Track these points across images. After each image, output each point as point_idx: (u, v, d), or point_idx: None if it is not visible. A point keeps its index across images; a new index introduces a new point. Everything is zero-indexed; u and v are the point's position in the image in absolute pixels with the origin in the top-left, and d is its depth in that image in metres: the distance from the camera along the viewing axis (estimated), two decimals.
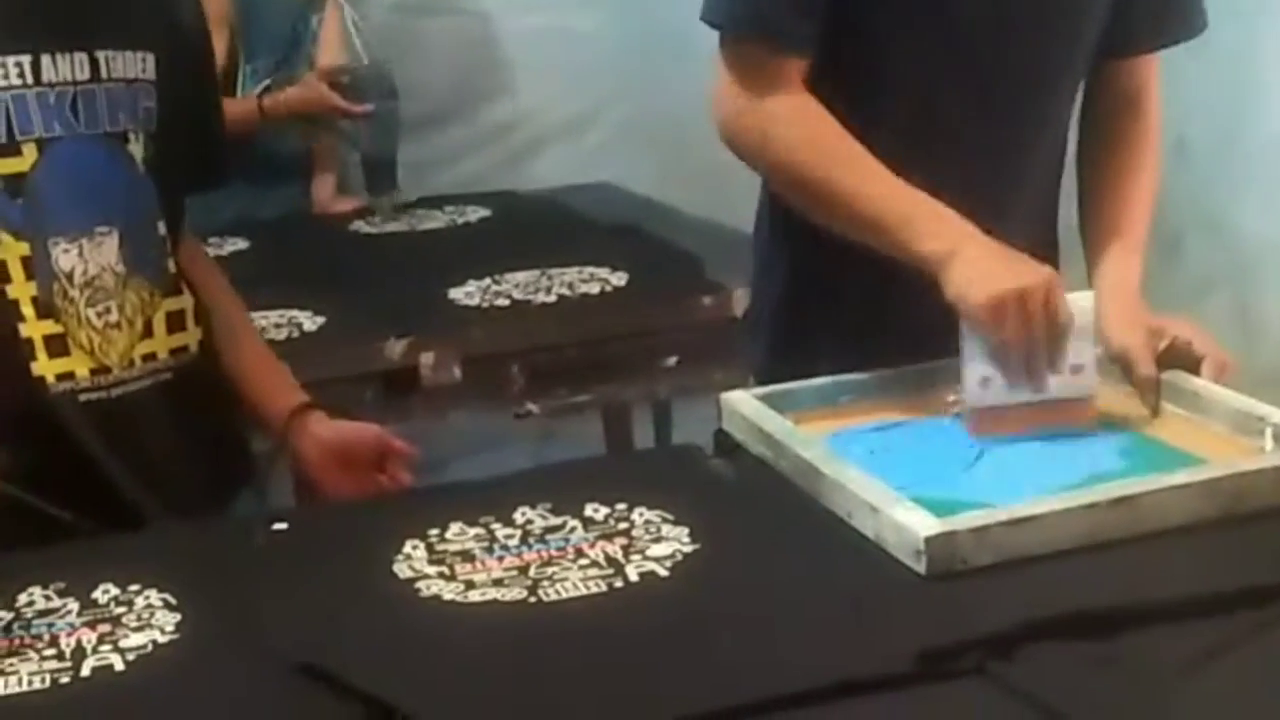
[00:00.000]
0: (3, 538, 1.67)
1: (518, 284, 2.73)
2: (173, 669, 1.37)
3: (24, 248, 1.73)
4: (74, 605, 1.49)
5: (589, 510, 1.62)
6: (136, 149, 1.81)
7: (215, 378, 1.91)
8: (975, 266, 1.71)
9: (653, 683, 1.29)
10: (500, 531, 1.59)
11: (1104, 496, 1.50)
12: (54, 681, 1.35)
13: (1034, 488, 1.56)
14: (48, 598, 1.51)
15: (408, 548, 1.57)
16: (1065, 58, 1.93)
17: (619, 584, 1.47)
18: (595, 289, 2.71)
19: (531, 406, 2.55)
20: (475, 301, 2.68)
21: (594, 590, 1.46)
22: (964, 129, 1.88)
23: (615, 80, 3.91)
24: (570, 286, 2.71)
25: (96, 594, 1.51)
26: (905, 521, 1.46)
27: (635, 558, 1.52)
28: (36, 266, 1.73)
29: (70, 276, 1.75)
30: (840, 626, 1.37)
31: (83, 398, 1.77)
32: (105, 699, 1.33)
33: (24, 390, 1.72)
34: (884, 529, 1.49)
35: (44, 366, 1.75)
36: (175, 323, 1.86)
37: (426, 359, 2.44)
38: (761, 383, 1.89)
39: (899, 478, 1.58)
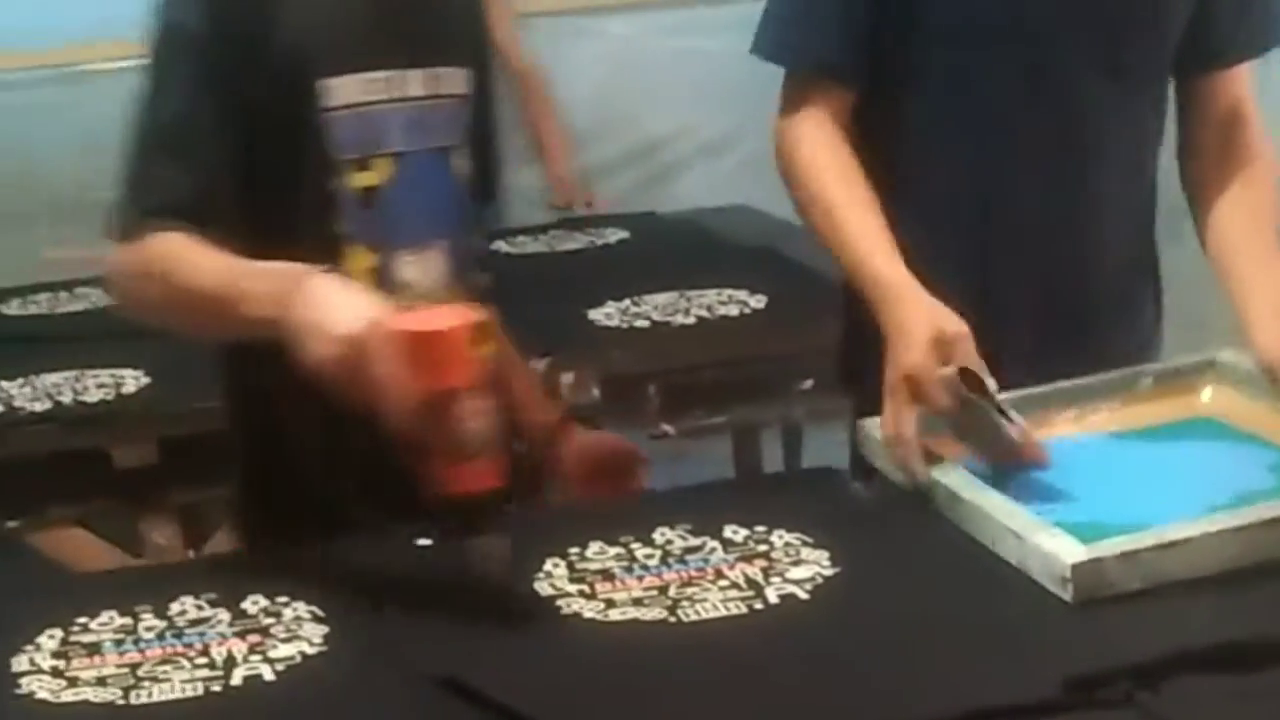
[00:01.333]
0: (293, 529, 1.74)
1: (657, 305, 2.74)
2: (320, 680, 1.40)
3: (372, 259, 1.76)
4: (225, 615, 1.52)
5: (728, 531, 1.63)
6: (460, 163, 1.85)
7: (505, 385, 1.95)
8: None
9: (792, 706, 1.29)
10: (640, 551, 1.60)
11: (1256, 518, 1.47)
12: (206, 689, 1.39)
13: (1179, 508, 1.52)
14: (199, 607, 1.55)
15: (549, 565, 1.58)
16: (1133, 55, 1.88)
17: (759, 605, 1.47)
18: (734, 311, 2.71)
19: (667, 428, 2.55)
20: (614, 322, 2.70)
21: (734, 611, 1.46)
22: (1016, 121, 1.86)
23: (754, 103, 3.90)
24: (709, 308, 2.72)
25: (246, 605, 1.54)
26: (1051, 549, 1.45)
27: (775, 580, 1.52)
28: (381, 278, 1.76)
29: (410, 288, 1.78)
30: (984, 653, 1.36)
31: None
32: (255, 708, 1.36)
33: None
34: (1028, 556, 1.48)
35: None
36: (484, 333, 1.88)
37: (566, 379, 2.46)
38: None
39: (1037, 499, 1.57)
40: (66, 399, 2.53)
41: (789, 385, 2.61)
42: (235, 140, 1.68)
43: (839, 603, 1.47)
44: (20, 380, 2.62)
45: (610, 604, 1.49)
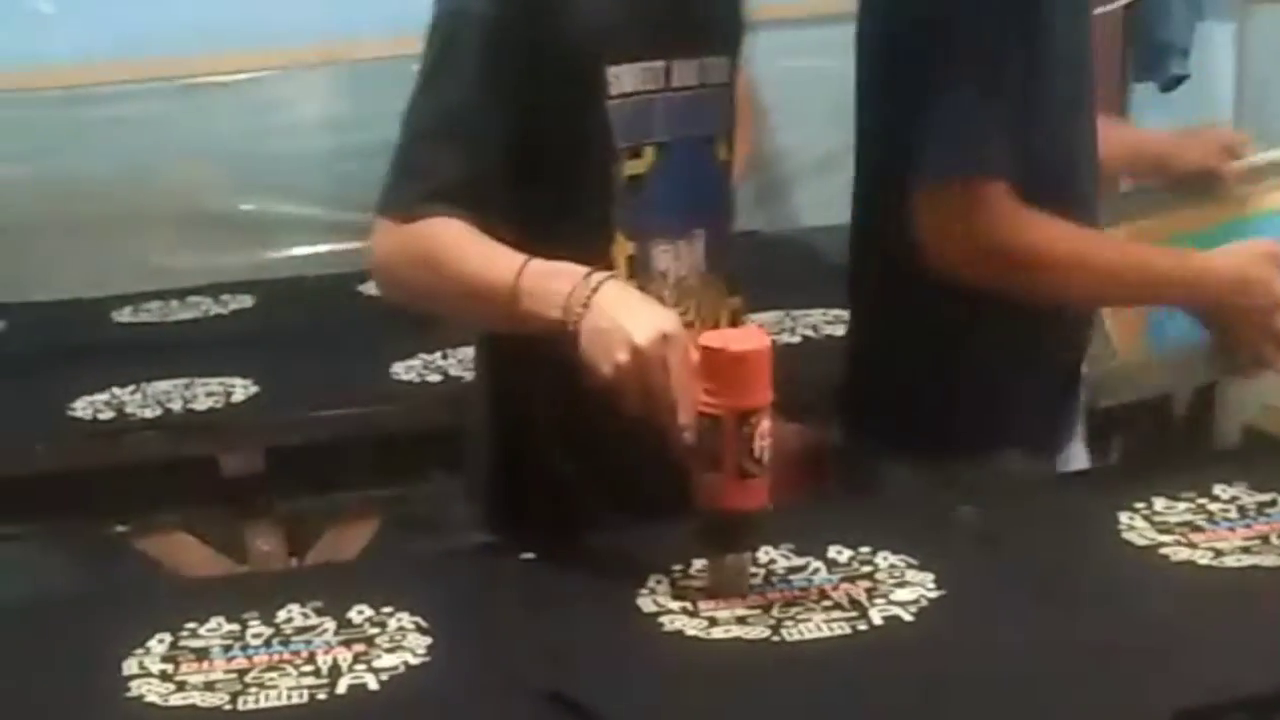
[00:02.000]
0: (533, 522, 1.75)
1: (762, 324, 2.73)
2: (423, 691, 1.41)
3: (631, 247, 1.76)
4: (331, 624, 1.54)
5: (832, 552, 1.62)
6: (721, 152, 1.85)
7: None
8: None
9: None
10: None
11: None
12: (311, 697, 1.40)
13: None
14: (306, 615, 1.56)
15: (651, 582, 1.58)
16: None
17: (862, 627, 1.46)
18: (840, 331, 2.69)
19: None
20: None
21: (837, 632, 1.45)
22: None
23: None
24: (814, 328, 2.71)
25: (351, 614, 1.55)
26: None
27: (879, 601, 1.51)
28: (639, 266, 1.76)
29: (665, 276, 1.79)
30: (1092, 682, 1.34)
31: None
32: (359, 717, 1.37)
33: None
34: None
35: None
36: (736, 321, 1.90)
37: None
38: None
39: None
40: (176, 406, 2.57)
41: None
42: (515, 127, 1.67)
43: (943, 626, 1.46)
44: (132, 387, 2.67)
45: (713, 622, 1.49)
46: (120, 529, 2.55)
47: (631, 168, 1.74)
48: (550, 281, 1.56)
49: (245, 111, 3.72)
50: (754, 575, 1.58)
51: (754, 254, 3.35)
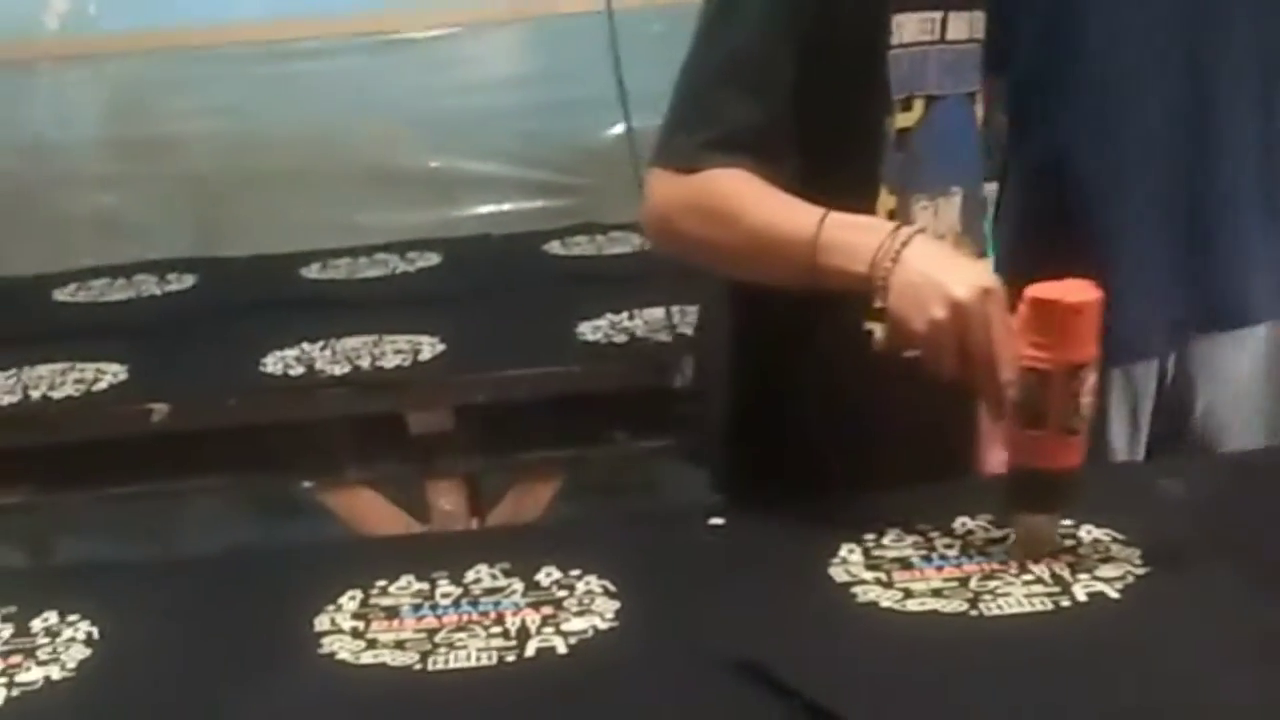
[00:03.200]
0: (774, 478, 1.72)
1: None
2: (613, 656, 1.39)
3: (892, 202, 1.71)
4: (519, 585, 1.53)
5: None
6: (979, 110, 1.82)
7: None
8: None
9: (1103, 711, 1.24)
10: (939, 541, 1.56)
11: None
12: (500, 659, 1.39)
13: None
14: (494, 576, 1.55)
15: (844, 551, 1.55)
16: None
17: (1065, 603, 1.41)
18: None
19: None
20: None
21: (1038, 608, 1.40)
22: None
23: None
24: None
25: (539, 576, 1.54)
26: None
27: (1083, 576, 1.46)
28: (898, 221, 1.71)
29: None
30: None
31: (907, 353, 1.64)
32: (548, 680, 1.36)
33: (851, 344, 1.67)
34: None
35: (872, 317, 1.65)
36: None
37: None
38: None
39: None
40: (365, 363, 2.59)
41: None
42: (800, 75, 1.62)
43: (1152, 603, 1.40)
44: (321, 343, 2.69)
45: (908, 594, 1.45)
46: (306, 485, 2.58)
47: (901, 120, 1.68)
48: (854, 235, 1.52)
49: (435, 68, 3.74)
50: (950, 545, 1.54)
51: None
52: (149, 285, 3.31)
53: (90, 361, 2.69)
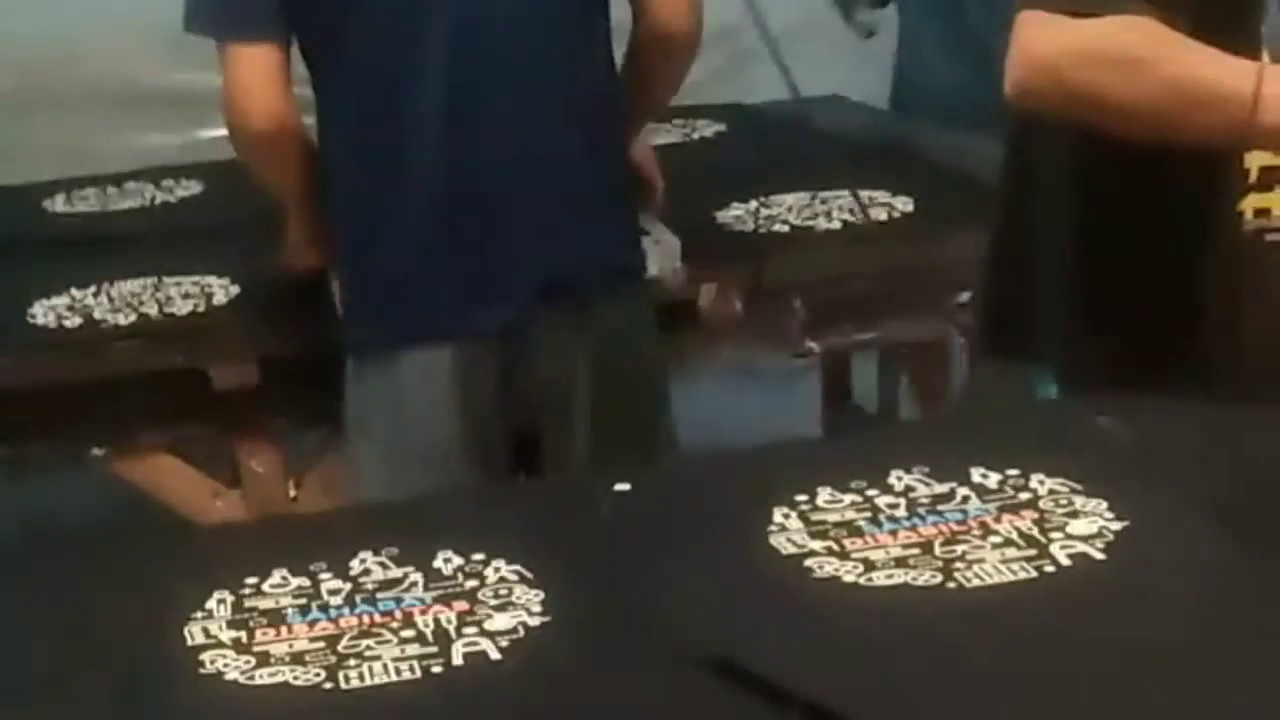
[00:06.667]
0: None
1: (790, 207, 2.52)
2: (559, 660, 1.20)
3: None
4: (417, 576, 1.32)
5: (977, 476, 1.43)
6: None
7: None
8: None
9: (1089, 694, 1.11)
10: (881, 500, 1.40)
11: None
12: (425, 670, 1.18)
13: None
14: (384, 565, 1.34)
15: (779, 517, 1.38)
16: None
17: (1049, 569, 1.27)
18: (881, 215, 2.49)
19: (812, 345, 2.34)
20: (748, 227, 2.48)
21: (1020, 575, 1.26)
22: None
23: None
24: (851, 211, 2.50)
25: (438, 563, 1.33)
26: None
27: (1057, 536, 1.32)
28: None
29: None
30: None
31: (1269, 238, 1.59)
32: (490, 694, 1.16)
33: (1226, 223, 1.58)
34: None
35: (1246, 201, 1.58)
36: None
37: (707, 290, 2.25)
38: None
39: None
40: (152, 311, 2.31)
41: (943, 299, 2.40)
42: None
43: (1145, 564, 1.28)
44: (93, 288, 2.40)
45: (869, 565, 1.29)
46: (96, 452, 2.29)
47: None
48: None
49: None
50: (895, 505, 1.39)
51: (746, 130, 3.18)
52: None
53: None
